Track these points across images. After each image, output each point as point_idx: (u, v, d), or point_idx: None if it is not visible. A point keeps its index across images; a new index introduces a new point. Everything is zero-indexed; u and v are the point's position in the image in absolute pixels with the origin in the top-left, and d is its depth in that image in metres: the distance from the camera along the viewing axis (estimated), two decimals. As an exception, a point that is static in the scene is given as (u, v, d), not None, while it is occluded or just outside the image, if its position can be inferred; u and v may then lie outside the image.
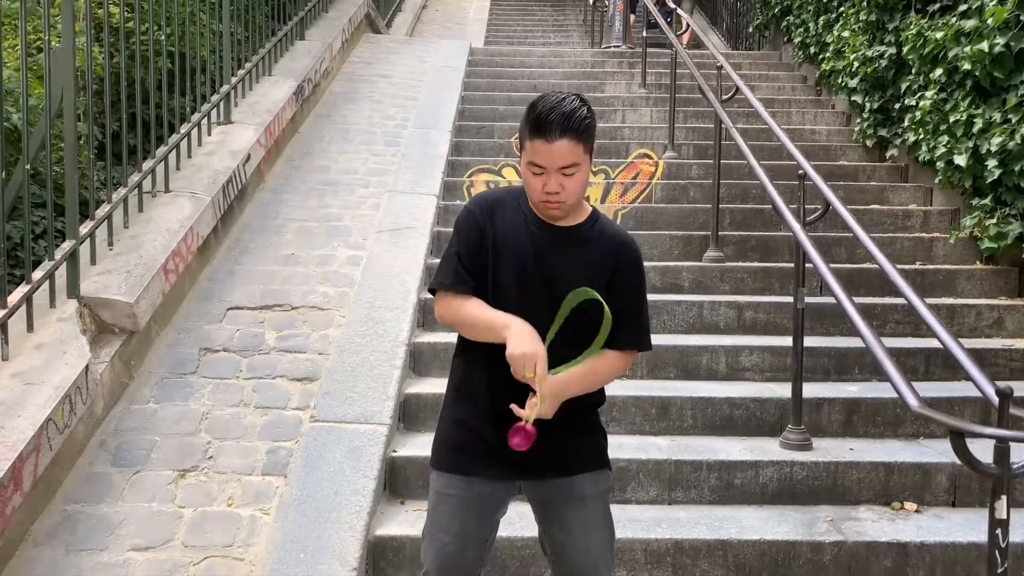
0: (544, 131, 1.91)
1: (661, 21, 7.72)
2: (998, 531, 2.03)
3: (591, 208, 2.12)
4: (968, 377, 2.37)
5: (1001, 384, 2.11)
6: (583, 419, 2.12)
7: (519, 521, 3.00)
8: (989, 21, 4.73)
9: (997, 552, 2.03)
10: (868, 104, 6.59)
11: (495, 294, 2.03)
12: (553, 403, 1.95)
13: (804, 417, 3.63)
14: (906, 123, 5.89)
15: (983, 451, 2.16)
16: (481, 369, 2.07)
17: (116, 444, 3.35)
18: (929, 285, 4.97)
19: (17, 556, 2.84)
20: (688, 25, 8.79)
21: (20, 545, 2.88)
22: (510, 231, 2.03)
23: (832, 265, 4.66)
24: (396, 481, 3.41)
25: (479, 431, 2.07)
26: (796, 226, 3.58)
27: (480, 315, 2.01)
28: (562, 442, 2.05)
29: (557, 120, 1.91)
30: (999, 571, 2.03)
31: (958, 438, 2.04)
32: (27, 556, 2.86)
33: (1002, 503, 2.01)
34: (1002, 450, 2.04)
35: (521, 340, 1.90)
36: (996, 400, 2.08)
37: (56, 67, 3.49)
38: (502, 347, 1.93)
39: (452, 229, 2.14)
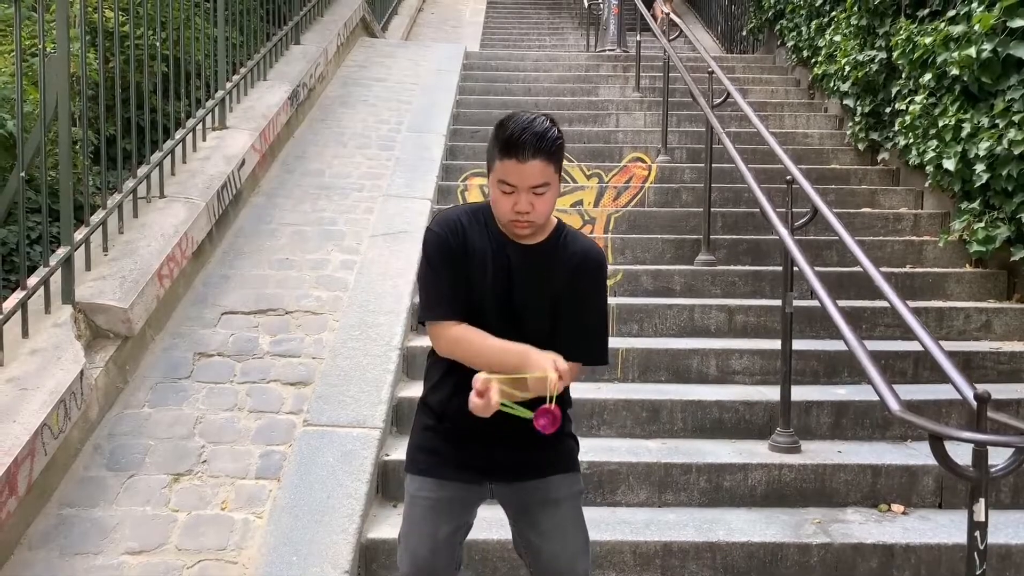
0: (516, 151, 1.91)
1: (646, 14, 7.79)
2: (977, 533, 2.06)
3: (556, 222, 2.12)
4: (949, 380, 2.41)
5: (980, 388, 2.14)
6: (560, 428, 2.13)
7: (508, 524, 3.03)
8: (976, 27, 4.78)
9: (976, 554, 2.07)
10: (860, 108, 6.64)
11: (477, 319, 2.03)
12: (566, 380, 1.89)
13: (793, 420, 3.67)
14: (897, 127, 5.94)
15: (967, 454, 2.20)
16: (449, 373, 2.09)
17: (111, 448, 3.37)
18: (919, 288, 5.01)
19: (12, 560, 2.87)
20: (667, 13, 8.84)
21: (15, 549, 2.90)
22: (480, 253, 2.03)
23: (823, 269, 4.74)
24: (389, 484, 3.44)
25: (449, 435, 2.10)
26: (783, 231, 3.62)
27: (490, 347, 1.97)
28: (536, 445, 2.05)
29: (529, 140, 1.91)
30: (978, 572, 2.06)
31: (937, 442, 2.07)
32: (22, 560, 2.89)
33: (980, 506, 2.05)
34: (980, 454, 2.08)
35: (547, 364, 1.86)
36: (975, 404, 2.11)
37: (51, 73, 3.52)
38: (466, 370, 1.96)
39: (421, 254, 2.10)
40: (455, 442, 2.10)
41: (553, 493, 2.12)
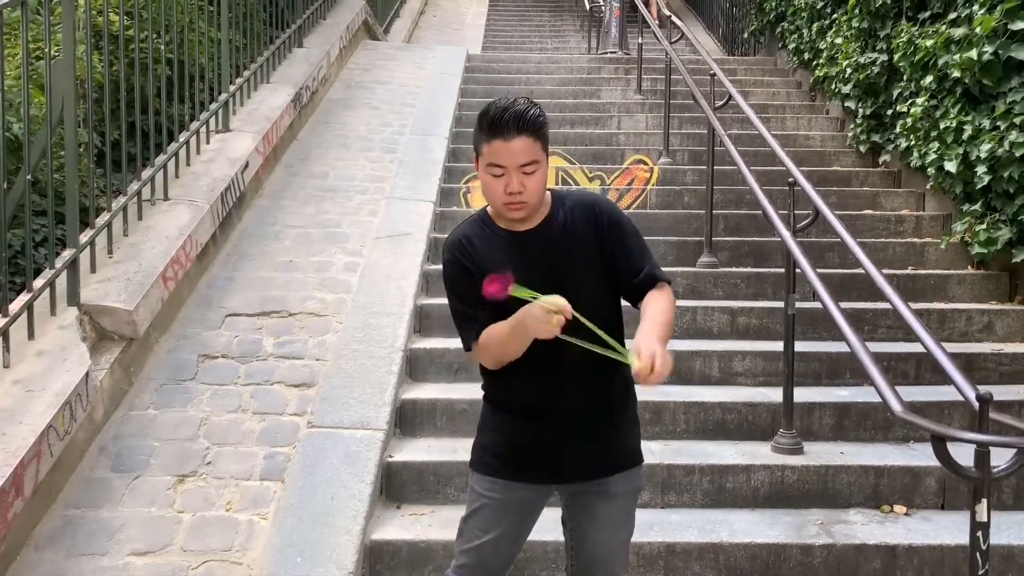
0: (501, 131, 1.96)
1: (647, 15, 7.82)
2: (979, 533, 2.07)
3: (549, 195, 2.13)
4: (951, 381, 2.42)
5: (982, 389, 2.16)
6: (621, 407, 2.17)
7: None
8: (978, 29, 4.79)
9: (978, 554, 2.08)
10: (861, 110, 6.65)
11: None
12: (663, 352, 1.85)
13: (796, 421, 3.68)
14: (898, 129, 5.95)
15: (970, 455, 2.20)
16: (511, 377, 2.10)
17: (116, 450, 3.39)
18: (920, 290, 5.02)
19: (18, 560, 2.89)
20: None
21: (21, 549, 2.92)
22: (491, 257, 2.05)
23: (826, 270, 4.75)
24: (392, 486, 3.46)
25: (521, 438, 2.12)
26: (786, 233, 3.63)
27: (499, 334, 2.00)
28: (605, 442, 2.10)
29: (512, 119, 1.96)
30: (980, 573, 2.07)
31: (939, 442, 2.09)
32: (28, 560, 2.90)
33: (982, 506, 2.06)
34: (982, 454, 2.08)
35: (537, 312, 1.87)
36: (977, 405, 2.12)
37: (56, 76, 3.54)
38: (527, 363, 1.99)
39: (444, 286, 2.15)
40: (522, 442, 2.12)
41: (612, 488, 2.14)
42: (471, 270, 2.06)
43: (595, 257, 2.07)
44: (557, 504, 2.27)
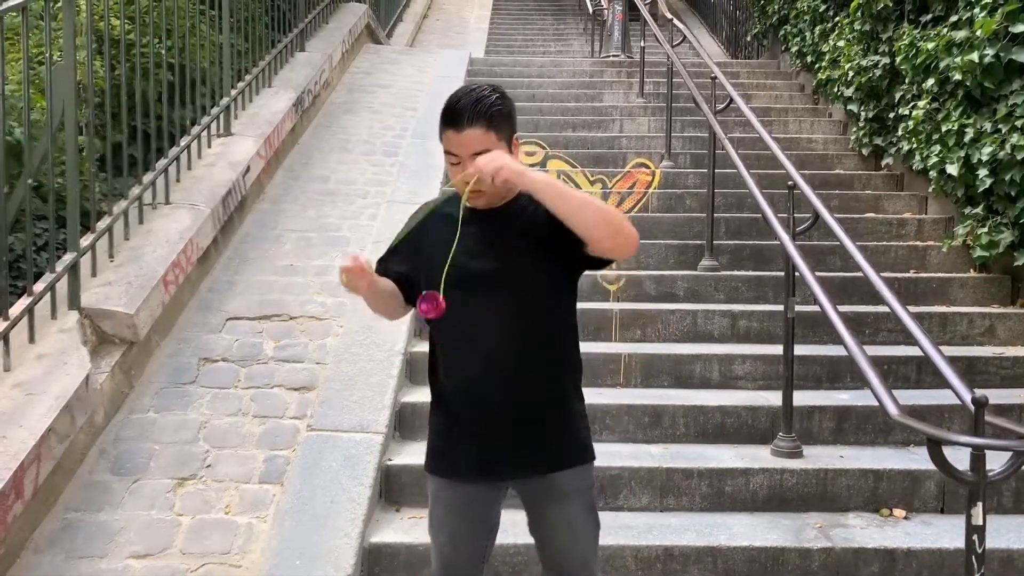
0: (453, 120, 1.97)
1: (649, 20, 7.83)
2: (974, 537, 2.07)
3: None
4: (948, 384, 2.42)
5: (978, 392, 2.15)
6: (561, 399, 2.10)
7: (512, 528, 3.02)
8: (979, 32, 4.79)
9: (974, 558, 2.08)
10: (863, 113, 6.64)
11: (459, 291, 2.01)
12: (504, 171, 1.88)
13: (795, 425, 3.68)
14: (900, 132, 5.94)
15: (968, 458, 2.20)
16: (444, 374, 2.11)
17: (116, 453, 3.40)
18: (922, 293, 5.02)
19: (18, 563, 2.90)
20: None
21: (21, 552, 2.93)
22: (445, 234, 2.01)
23: (827, 274, 4.74)
24: (392, 489, 3.46)
25: (456, 435, 2.12)
26: (785, 237, 3.63)
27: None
28: (541, 436, 2.06)
29: (464, 108, 1.95)
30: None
31: (935, 446, 2.08)
32: (28, 563, 2.91)
33: (978, 510, 2.05)
34: (978, 457, 2.08)
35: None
36: (973, 408, 2.12)
37: (58, 80, 3.56)
38: (459, 352, 2.03)
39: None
40: (457, 436, 2.11)
41: (560, 487, 2.10)
42: (415, 237, 2.12)
43: (550, 250, 1.99)
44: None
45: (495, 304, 2.01)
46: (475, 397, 2.05)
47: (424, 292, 1.97)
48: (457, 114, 1.96)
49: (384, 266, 2.19)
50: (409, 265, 2.15)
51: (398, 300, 2.17)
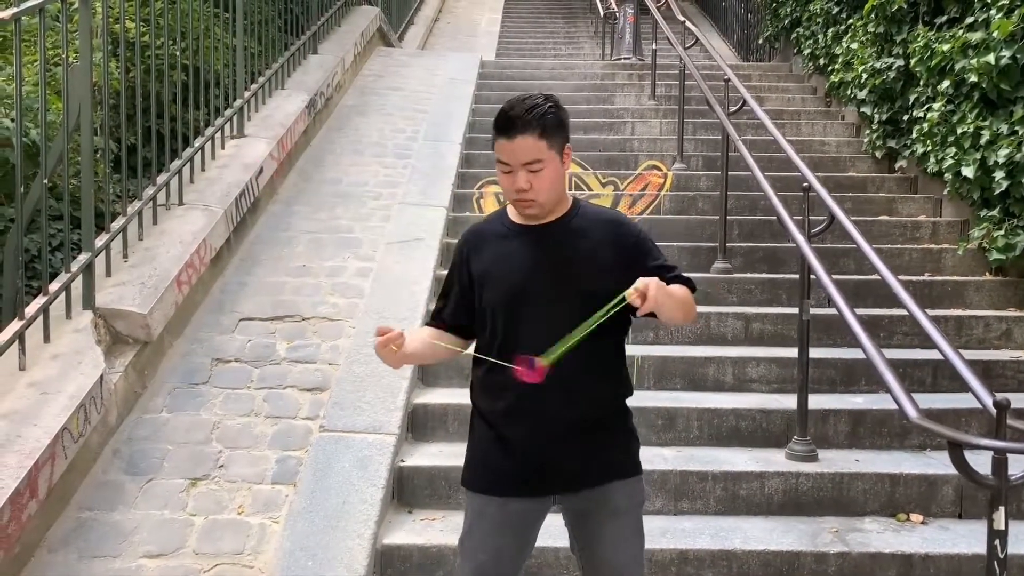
0: (505, 128, 1.95)
1: (660, 20, 7.82)
2: (996, 542, 2.04)
3: (572, 198, 2.14)
4: (968, 388, 2.39)
5: (999, 396, 2.13)
6: (611, 416, 2.11)
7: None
8: (995, 34, 4.75)
9: (996, 563, 2.05)
10: (877, 115, 6.60)
11: (493, 316, 2.06)
12: (658, 286, 1.89)
13: (810, 428, 3.65)
14: (914, 134, 5.91)
15: (988, 463, 2.17)
16: (499, 388, 2.06)
17: (129, 452, 3.40)
18: (937, 296, 4.98)
19: (32, 562, 2.90)
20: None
21: (35, 551, 2.94)
22: (496, 250, 2.06)
23: (841, 276, 4.71)
24: (404, 490, 3.45)
25: (509, 450, 2.07)
26: (800, 239, 3.61)
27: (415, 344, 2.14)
28: (593, 449, 2.05)
29: (516, 116, 1.94)
30: (998, 581, 2.04)
31: (956, 449, 2.06)
32: (42, 562, 2.92)
33: (1000, 514, 2.03)
34: (1000, 461, 2.06)
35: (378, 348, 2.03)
36: (994, 411, 2.10)
37: (74, 82, 3.58)
38: (502, 366, 1.98)
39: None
40: (514, 454, 2.06)
41: (612, 503, 2.07)
42: (468, 267, 2.12)
43: (607, 270, 2.00)
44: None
45: (556, 317, 1.98)
46: (533, 412, 2.02)
47: (520, 356, 1.91)
48: (509, 122, 1.94)
49: (438, 318, 2.22)
50: (462, 301, 2.15)
51: (445, 350, 2.17)
